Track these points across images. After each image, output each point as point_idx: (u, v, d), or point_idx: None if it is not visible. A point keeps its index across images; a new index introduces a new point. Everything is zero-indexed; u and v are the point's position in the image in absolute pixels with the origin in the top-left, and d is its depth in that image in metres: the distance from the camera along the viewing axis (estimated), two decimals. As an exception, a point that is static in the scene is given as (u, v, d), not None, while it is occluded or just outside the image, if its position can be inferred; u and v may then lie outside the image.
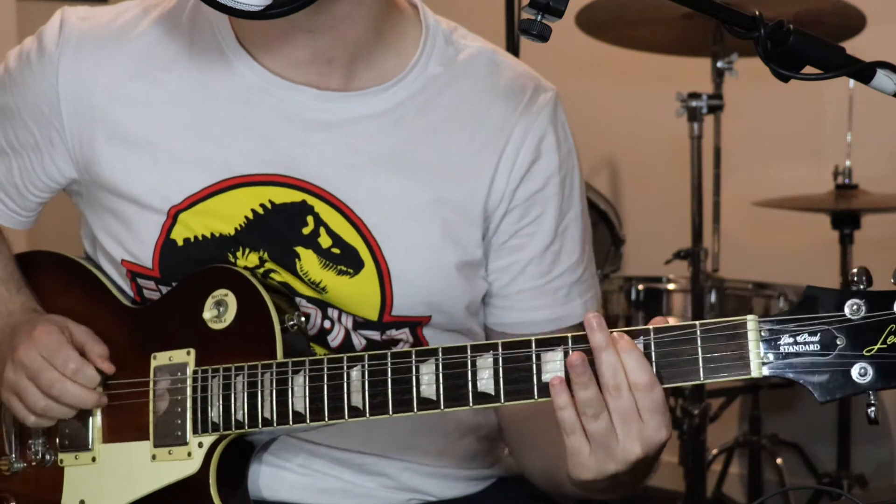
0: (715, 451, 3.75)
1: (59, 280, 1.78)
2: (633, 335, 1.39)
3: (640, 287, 3.48)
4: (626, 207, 4.41)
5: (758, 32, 1.38)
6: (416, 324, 1.68)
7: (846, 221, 3.43)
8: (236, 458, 1.61)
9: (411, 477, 1.75)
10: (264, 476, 1.70)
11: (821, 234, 3.61)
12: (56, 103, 1.67)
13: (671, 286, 3.49)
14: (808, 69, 1.41)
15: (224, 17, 1.66)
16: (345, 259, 1.63)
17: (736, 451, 3.89)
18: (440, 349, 1.47)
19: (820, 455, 3.90)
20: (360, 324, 1.67)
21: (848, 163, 3.42)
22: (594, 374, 1.37)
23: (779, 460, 3.70)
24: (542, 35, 1.38)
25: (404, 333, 1.68)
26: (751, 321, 1.34)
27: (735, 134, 3.75)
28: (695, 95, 3.32)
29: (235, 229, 1.64)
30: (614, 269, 3.59)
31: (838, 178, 3.44)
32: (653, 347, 1.38)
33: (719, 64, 3.34)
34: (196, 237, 1.65)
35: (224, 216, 1.64)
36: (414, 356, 1.47)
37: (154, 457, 1.61)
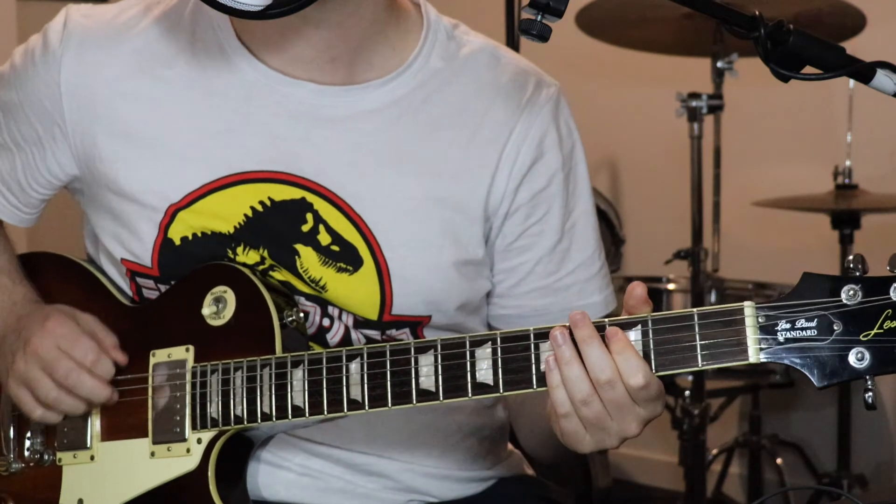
0: (715, 451, 3.75)
1: (59, 280, 1.78)
2: (632, 323, 1.39)
3: (640, 287, 3.47)
4: (626, 207, 4.42)
5: (758, 32, 1.38)
6: (416, 324, 1.68)
7: (846, 221, 3.43)
8: (235, 454, 1.61)
9: (412, 478, 1.75)
10: (263, 475, 1.70)
11: (821, 234, 3.61)
12: (58, 99, 1.67)
13: (671, 286, 3.49)
14: (808, 69, 1.41)
15: (224, 15, 1.66)
16: (344, 256, 1.63)
17: (736, 451, 3.89)
18: (439, 341, 1.47)
19: (820, 455, 3.90)
20: (361, 323, 1.67)
21: (848, 163, 3.42)
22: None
23: (779, 460, 3.71)
24: (542, 35, 1.38)
25: (404, 334, 1.68)
26: (748, 308, 1.35)
27: (735, 134, 3.76)
28: (695, 95, 3.33)
29: (235, 227, 1.64)
30: (614, 269, 3.60)
31: (838, 178, 3.44)
32: (651, 335, 1.38)
33: (719, 64, 3.34)
34: (195, 234, 1.65)
35: (223, 215, 1.64)
36: (413, 348, 1.48)
37: (153, 454, 1.62)
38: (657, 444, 4.30)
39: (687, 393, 3.34)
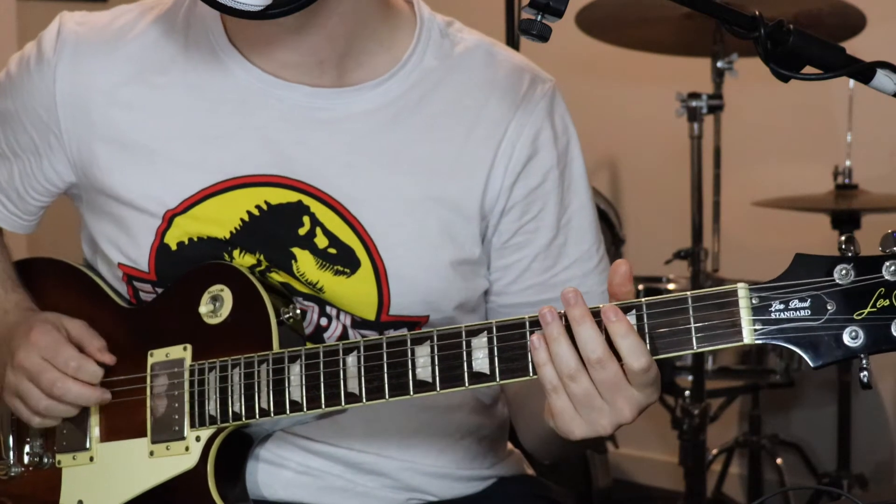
0: (715, 451, 3.75)
1: (57, 285, 1.78)
2: (627, 308, 1.38)
3: (640, 287, 3.48)
4: (626, 207, 4.42)
5: (758, 32, 1.38)
6: (414, 324, 1.67)
7: (846, 221, 3.43)
8: (234, 452, 1.61)
9: (412, 476, 1.75)
10: (263, 474, 1.70)
11: (821, 234, 3.60)
12: (53, 108, 1.67)
13: (671, 286, 3.49)
14: (808, 69, 1.41)
15: (216, 18, 1.66)
16: (341, 259, 1.63)
17: (736, 451, 3.89)
18: (435, 332, 1.47)
19: (820, 455, 3.90)
20: (359, 323, 1.67)
21: (848, 163, 3.42)
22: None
23: (779, 460, 3.70)
24: (542, 35, 1.38)
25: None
26: (741, 289, 1.34)
27: (735, 134, 3.75)
28: (695, 95, 3.33)
29: (231, 232, 1.64)
30: (614, 270, 3.59)
31: (838, 178, 3.44)
32: (645, 319, 1.38)
33: (719, 64, 3.34)
34: (191, 239, 1.65)
35: (219, 220, 1.64)
36: (409, 340, 1.48)
37: (152, 453, 1.62)
38: (657, 444, 4.30)
39: (687, 393, 3.34)
